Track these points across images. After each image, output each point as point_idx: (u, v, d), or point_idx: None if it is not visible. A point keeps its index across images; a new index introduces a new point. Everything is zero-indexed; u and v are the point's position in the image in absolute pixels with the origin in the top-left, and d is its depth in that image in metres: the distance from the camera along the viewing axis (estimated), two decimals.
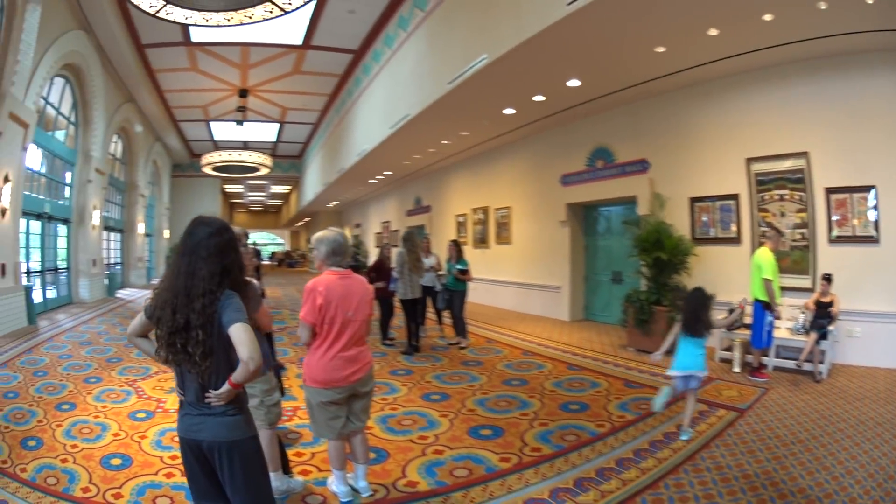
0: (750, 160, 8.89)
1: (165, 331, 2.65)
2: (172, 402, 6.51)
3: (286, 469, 4.40)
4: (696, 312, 5.31)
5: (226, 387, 2.61)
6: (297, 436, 5.47)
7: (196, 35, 16.11)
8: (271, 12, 10.15)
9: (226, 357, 2.67)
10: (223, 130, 26.65)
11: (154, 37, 16.25)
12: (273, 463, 4.07)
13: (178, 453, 4.32)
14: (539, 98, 10.76)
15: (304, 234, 57.02)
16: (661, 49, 8.05)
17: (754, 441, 5.03)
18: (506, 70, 9.21)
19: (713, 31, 7.36)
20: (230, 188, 44.46)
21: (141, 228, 24.75)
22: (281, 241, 71.74)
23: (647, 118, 10.68)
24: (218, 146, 29.01)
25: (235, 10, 10.06)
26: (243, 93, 21.39)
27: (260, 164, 25.53)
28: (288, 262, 52.25)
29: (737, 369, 7.59)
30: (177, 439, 4.76)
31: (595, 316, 12.77)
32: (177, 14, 10.31)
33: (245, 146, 29.37)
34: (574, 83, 9.70)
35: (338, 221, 40.36)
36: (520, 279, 14.99)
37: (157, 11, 10.24)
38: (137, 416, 6.16)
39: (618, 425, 5.50)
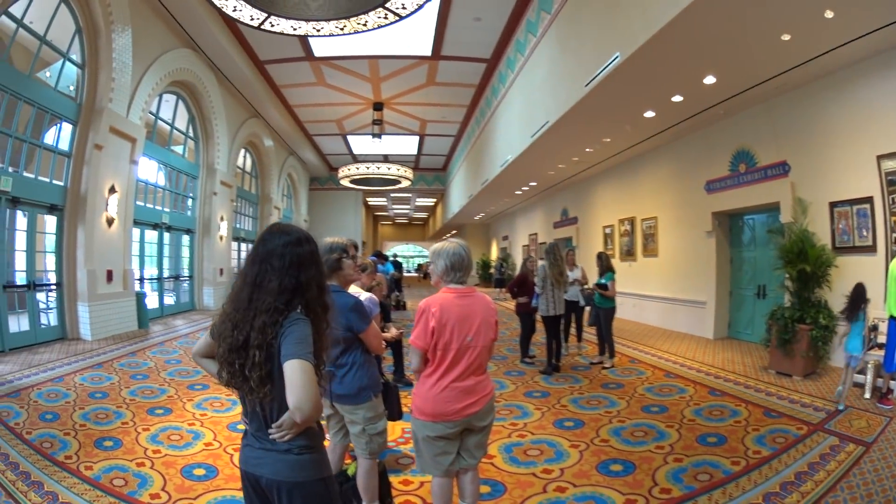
0: (881, 157, 8.41)
1: (224, 348, 2.44)
2: None
3: (385, 499, 4.30)
4: (856, 301, 6.85)
5: (289, 419, 2.33)
6: (408, 461, 5.38)
7: (318, 49, 17.11)
8: (385, 17, 10.45)
9: None
10: (362, 144, 27.87)
11: (272, 53, 17.48)
12: (369, 493, 4.07)
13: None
14: (677, 98, 10.74)
15: None
16: (786, 37, 7.87)
17: (874, 482, 4.82)
18: (640, 68, 9.27)
19: (829, 14, 7.14)
20: (373, 201, 46.12)
21: None
22: (427, 253, 73.33)
23: (783, 116, 10.41)
24: (357, 159, 30.42)
25: (347, 17, 10.46)
26: (378, 106, 22.38)
27: (400, 177, 26.45)
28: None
29: (867, 395, 7.25)
30: None
31: (738, 334, 12.45)
32: (283, 25, 10.86)
33: (386, 159, 30.52)
34: (710, 80, 9.66)
35: (485, 234, 41.04)
36: (666, 293, 14.89)
37: (261, 23, 10.84)
38: (238, 427, 6.23)
39: (752, 463, 5.27)
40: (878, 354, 7.26)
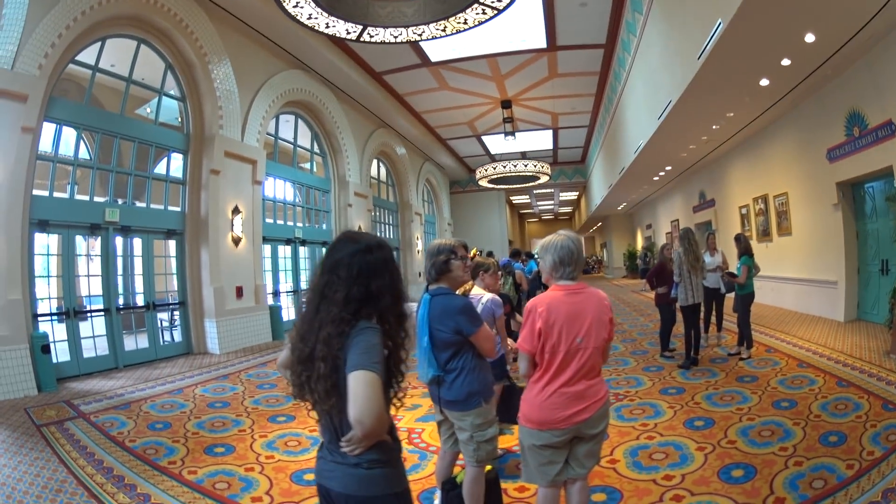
0: None
1: (293, 359, 2.40)
2: (406, 421, 6.78)
3: None
4: None
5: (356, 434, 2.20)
6: None
7: (433, 54, 17.23)
8: (484, 12, 10.33)
9: None
10: (497, 143, 27.82)
11: (387, 63, 17.77)
12: (474, 502, 3.90)
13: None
14: (786, 62, 10.00)
15: (599, 240, 57.30)
16: None
17: None
18: (744, 33, 8.71)
19: None
20: (516, 199, 46.02)
21: (420, 245, 27.00)
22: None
23: (883, 69, 9.30)
24: (494, 159, 30.31)
25: (445, 18, 10.40)
26: (506, 104, 22.22)
27: (539, 173, 26.13)
28: (583, 268, 52.83)
29: None
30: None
31: (866, 315, 11.29)
32: (382, 34, 10.97)
33: (523, 156, 30.37)
34: (810, 38, 8.89)
35: (629, 224, 40.21)
36: (800, 274, 13.81)
37: (359, 35, 11.00)
38: None
39: (864, 466, 4.82)
40: None
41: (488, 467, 4.05)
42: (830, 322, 11.69)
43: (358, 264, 2.37)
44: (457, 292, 4.29)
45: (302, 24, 10.62)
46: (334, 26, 10.70)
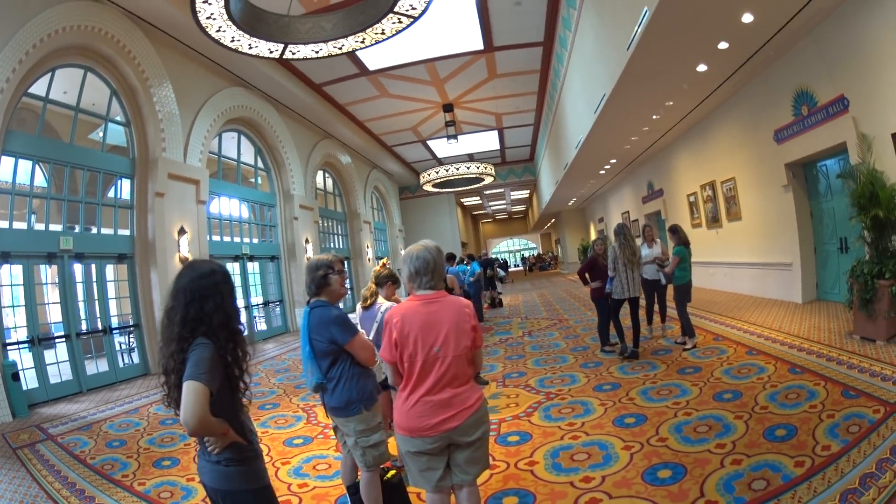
0: None
1: (161, 370, 2.78)
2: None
3: None
4: None
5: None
6: None
7: (370, 63, 17.03)
8: (400, 21, 10.27)
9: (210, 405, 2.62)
10: (443, 147, 27.47)
11: (326, 75, 17.61)
12: None
13: (310, 481, 5.36)
14: (723, 45, 9.75)
15: (554, 236, 57.48)
16: None
17: None
18: (673, 18, 8.45)
19: None
20: (468, 201, 45.95)
21: (370, 253, 26.67)
22: (533, 245, 72.80)
23: (831, 43, 9.06)
24: (442, 162, 30.10)
25: (363, 30, 10.34)
26: (447, 107, 22.01)
27: (482, 174, 25.90)
28: (540, 265, 53.03)
29: None
30: (318, 467, 5.70)
31: (826, 294, 11.14)
32: (304, 51, 10.91)
33: (471, 158, 30.25)
34: (748, 18, 8.62)
35: (582, 219, 40.40)
36: (754, 258, 13.67)
37: (282, 53, 10.94)
38: (294, 442, 6.61)
39: (818, 463, 4.38)
40: None
41: (392, 472, 4.33)
42: (788, 304, 11.50)
43: (193, 289, 2.73)
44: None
45: (226, 46, 10.46)
46: (256, 46, 10.62)
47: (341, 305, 4.20)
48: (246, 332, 2.89)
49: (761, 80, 11.60)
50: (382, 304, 5.27)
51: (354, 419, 3.96)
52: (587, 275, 9.84)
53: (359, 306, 5.50)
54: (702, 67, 10.85)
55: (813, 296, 11.46)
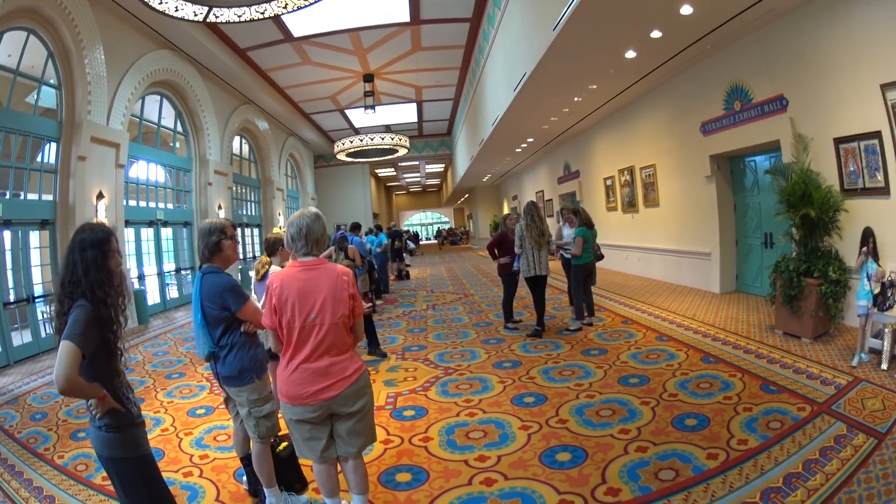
0: (885, 86, 7.02)
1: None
2: None
3: (293, 484, 4.28)
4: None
5: (92, 399, 2.69)
6: None
7: (296, 30, 16.48)
8: None
9: (85, 369, 2.62)
10: (360, 117, 27.04)
11: (251, 40, 17.00)
12: (267, 478, 4.01)
13: (210, 453, 5.28)
14: (657, 34, 9.58)
15: (467, 210, 57.72)
16: None
17: (881, 493, 3.62)
18: (606, 1, 8.28)
19: None
20: (382, 172, 45.49)
21: (281, 221, 25.93)
22: (446, 219, 72.99)
23: (777, 46, 9.09)
24: (358, 132, 29.43)
25: None
26: (368, 77, 21.57)
27: (396, 146, 25.47)
28: (451, 239, 53.22)
29: (884, 366, 5.93)
30: (218, 438, 5.62)
31: (747, 287, 11.34)
32: (227, 14, 10.39)
33: (388, 129, 29.75)
34: (686, 10, 8.46)
35: (496, 195, 40.66)
36: (669, 245, 13.82)
37: (206, 17, 10.39)
38: (197, 413, 6.53)
39: (733, 458, 4.27)
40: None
41: (283, 444, 4.31)
42: (704, 293, 11.66)
43: (71, 250, 2.79)
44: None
45: (153, 8, 9.80)
46: (182, 9, 9.98)
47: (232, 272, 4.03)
48: (129, 298, 3.01)
49: (694, 72, 11.60)
50: (274, 270, 5.11)
51: (247, 388, 3.89)
52: (496, 250, 9.81)
53: (252, 277, 5.43)
54: (630, 54, 10.68)
55: (732, 287, 11.64)
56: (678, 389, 5.94)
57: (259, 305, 4.07)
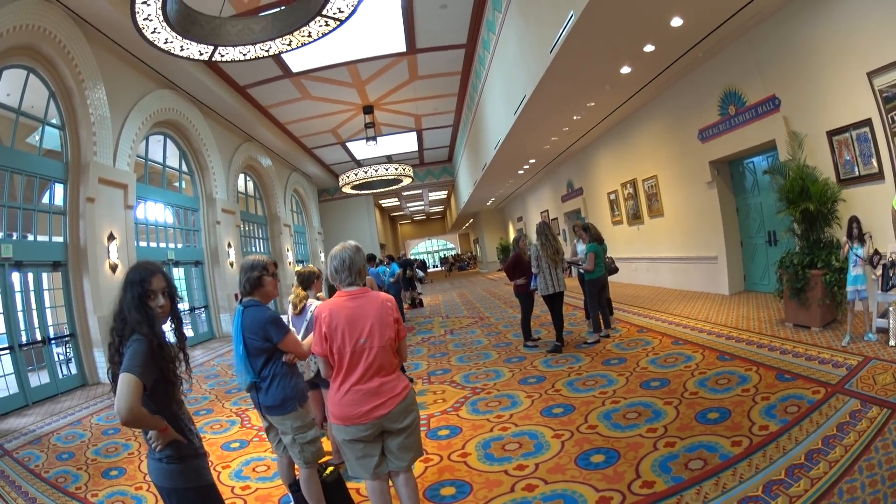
0: (871, 74, 7.34)
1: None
2: None
3: None
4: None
5: (152, 431, 2.75)
6: None
7: (294, 65, 16.82)
8: (327, 24, 10.18)
9: (146, 401, 2.67)
10: (362, 149, 27.28)
11: (250, 77, 17.31)
12: (316, 502, 4.15)
13: (251, 483, 5.38)
14: (650, 48, 9.94)
15: (472, 235, 57.76)
16: None
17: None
18: (599, 22, 8.58)
19: None
20: (386, 203, 45.72)
21: (290, 257, 26.27)
22: (452, 245, 73.06)
23: (765, 47, 9.43)
24: (360, 164, 29.82)
25: (290, 32, 10.23)
26: (367, 109, 21.89)
27: (401, 176, 25.77)
28: (458, 265, 53.22)
29: (892, 342, 6.23)
30: (257, 469, 5.74)
31: (755, 286, 11.58)
32: (232, 53, 10.72)
33: (389, 159, 30.10)
34: (677, 22, 8.81)
35: (500, 218, 40.74)
36: (677, 253, 14.07)
37: (211, 56, 10.71)
38: (231, 447, 6.57)
39: (756, 443, 4.49)
40: None
41: (330, 469, 4.44)
42: (714, 296, 11.88)
43: (122, 287, 2.87)
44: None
45: (159, 48, 10.14)
46: (188, 48, 10.32)
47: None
48: (170, 338, 3.00)
49: (687, 81, 11.91)
50: (312, 303, 5.34)
51: (290, 416, 4.04)
52: (513, 271, 9.96)
53: (290, 312, 5.51)
54: (626, 69, 11.04)
55: (740, 287, 11.87)
56: (698, 388, 6.16)
57: (299, 338, 4.26)
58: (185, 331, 3.14)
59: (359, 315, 3.55)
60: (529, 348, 9.71)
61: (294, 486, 4.35)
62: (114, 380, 2.68)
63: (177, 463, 2.80)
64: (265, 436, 6.46)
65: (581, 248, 10.29)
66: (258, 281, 4.08)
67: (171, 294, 2.98)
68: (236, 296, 15.16)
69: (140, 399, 2.55)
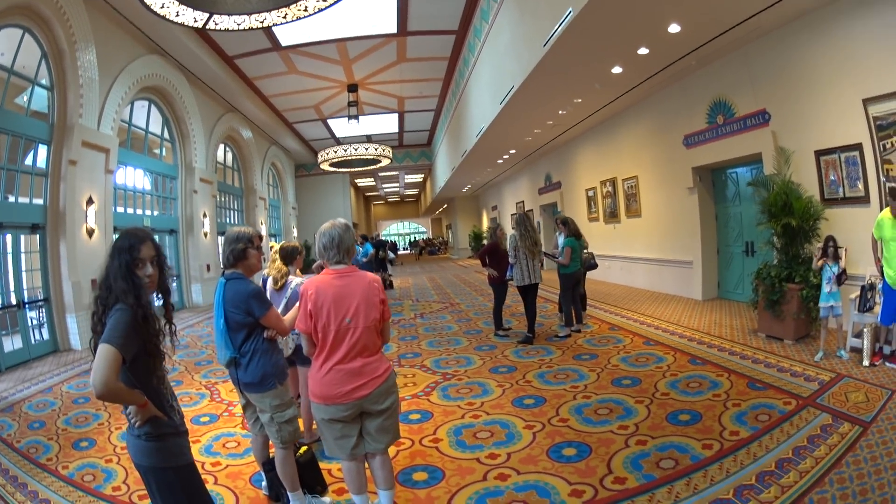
0: (867, 101, 7.52)
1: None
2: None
3: (315, 487, 4.35)
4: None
5: (131, 406, 2.64)
6: None
7: (284, 39, 16.64)
8: (324, 0, 10.14)
9: (125, 374, 2.59)
10: (342, 127, 27.18)
11: (239, 47, 17.07)
12: (291, 482, 4.09)
13: (222, 459, 5.30)
14: (643, 51, 10.02)
15: (445, 221, 57.87)
16: None
17: (870, 473, 3.97)
18: (596, 21, 8.59)
19: None
20: (361, 182, 45.55)
21: (263, 230, 26.02)
22: (423, 229, 73.13)
23: (761, 62, 9.58)
24: (340, 142, 29.59)
25: (287, 5, 10.03)
26: (352, 87, 21.75)
27: (379, 156, 25.73)
28: (429, 249, 53.30)
29: (866, 362, 6.42)
30: (228, 445, 5.67)
31: (728, 294, 11.80)
32: (226, 22, 10.49)
33: (369, 139, 29.90)
34: (674, 28, 8.89)
35: (475, 206, 40.82)
36: (652, 255, 14.26)
37: (205, 24, 10.47)
38: (201, 420, 6.53)
39: (727, 447, 4.62)
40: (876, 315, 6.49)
41: (303, 449, 4.47)
42: (687, 300, 12.08)
43: (107, 253, 2.78)
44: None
45: (154, 12, 9.95)
46: (184, 14, 10.10)
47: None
48: (157, 303, 2.90)
49: (678, 87, 12.03)
50: (293, 280, 5.36)
51: (270, 394, 3.97)
52: (487, 258, 10.06)
53: (269, 286, 5.46)
54: (617, 69, 11.10)
55: (714, 294, 12.07)
56: (669, 389, 6.29)
57: (279, 313, 4.21)
58: (172, 302, 3.04)
59: (345, 294, 3.55)
60: (500, 337, 9.83)
61: (267, 464, 4.35)
62: (94, 350, 2.52)
63: (155, 440, 2.70)
64: (235, 411, 6.45)
65: (562, 240, 10.34)
66: (242, 253, 4.01)
67: (161, 263, 2.87)
68: (208, 266, 15.20)
69: (117, 372, 2.43)
